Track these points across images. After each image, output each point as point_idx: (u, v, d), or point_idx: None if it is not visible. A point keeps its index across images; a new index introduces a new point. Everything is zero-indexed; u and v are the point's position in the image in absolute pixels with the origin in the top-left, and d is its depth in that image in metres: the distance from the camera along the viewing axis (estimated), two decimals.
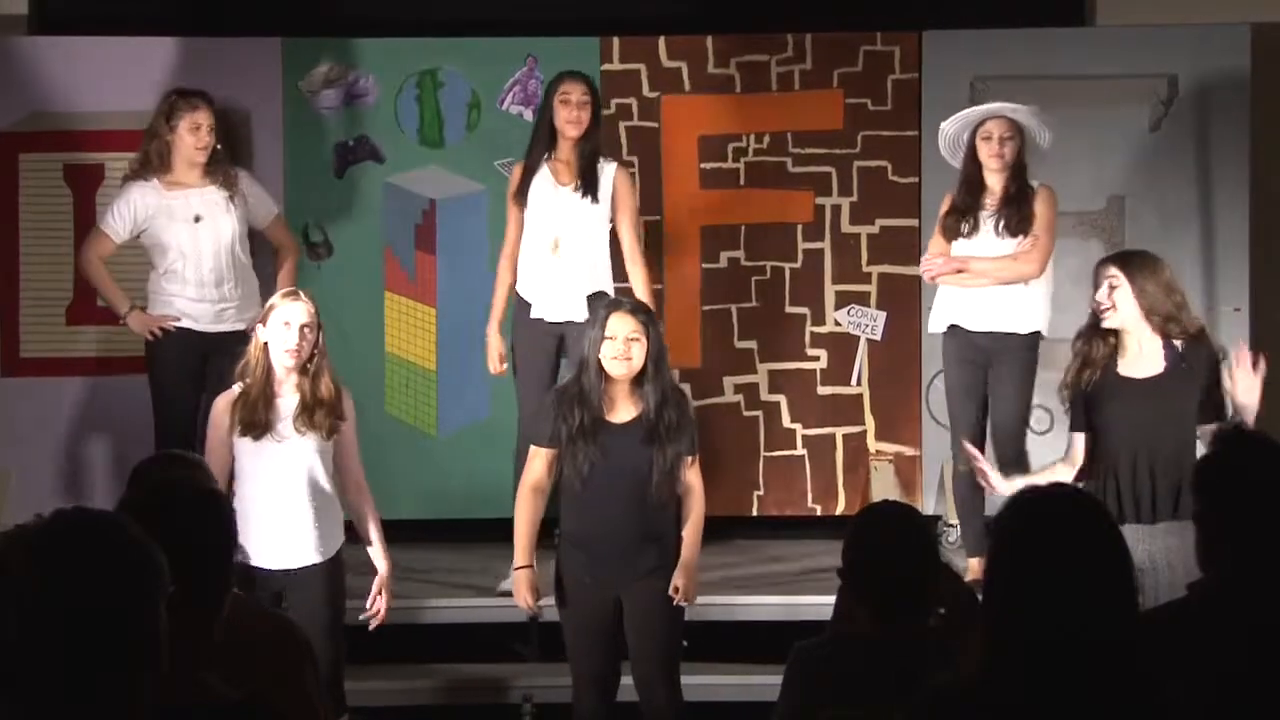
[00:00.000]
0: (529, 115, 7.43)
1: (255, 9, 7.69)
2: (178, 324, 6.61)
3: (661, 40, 7.58)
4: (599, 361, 5.38)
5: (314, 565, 5.39)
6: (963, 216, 6.46)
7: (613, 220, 6.60)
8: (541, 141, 6.57)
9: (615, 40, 7.58)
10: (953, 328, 6.51)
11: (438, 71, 7.55)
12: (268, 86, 7.39)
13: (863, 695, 3.39)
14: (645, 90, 7.56)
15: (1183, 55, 7.49)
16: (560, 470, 5.47)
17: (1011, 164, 6.42)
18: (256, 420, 5.36)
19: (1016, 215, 6.39)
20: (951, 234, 6.49)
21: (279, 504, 5.35)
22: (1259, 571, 3.30)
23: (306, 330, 5.41)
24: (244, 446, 5.38)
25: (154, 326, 6.62)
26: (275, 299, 5.53)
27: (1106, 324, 5.51)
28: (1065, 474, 5.53)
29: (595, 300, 6.42)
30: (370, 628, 5.58)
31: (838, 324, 7.58)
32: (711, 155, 7.57)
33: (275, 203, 6.98)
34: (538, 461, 5.51)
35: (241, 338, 5.93)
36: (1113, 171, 7.50)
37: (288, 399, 5.43)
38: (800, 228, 7.57)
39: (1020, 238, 6.39)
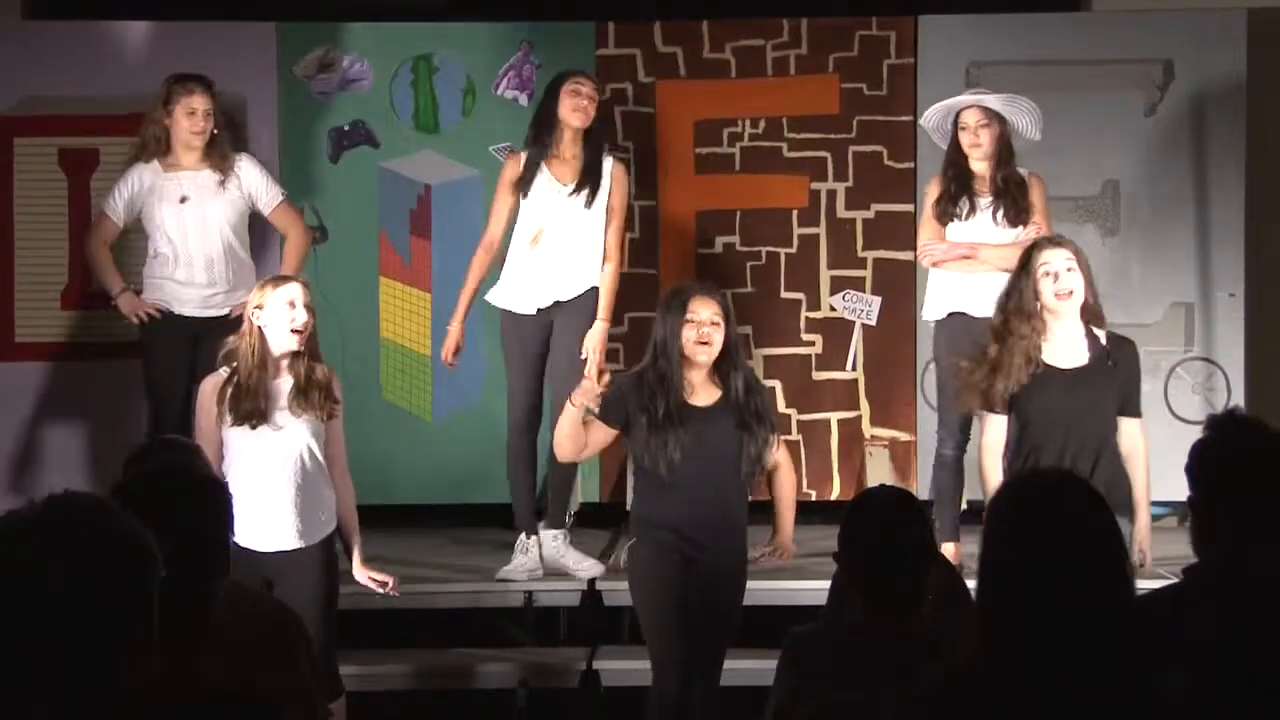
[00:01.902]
0: (524, 100, 7.42)
1: None
2: (168, 309, 6.62)
3: (657, 25, 7.58)
4: (681, 348, 5.34)
5: (307, 547, 5.37)
6: (955, 201, 6.46)
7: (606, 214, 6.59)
8: (543, 132, 6.54)
9: (610, 25, 7.57)
10: (952, 315, 6.51)
11: (432, 57, 7.54)
12: (263, 72, 7.39)
13: (858, 681, 3.39)
14: (641, 75, 7.56)
15: (1179, 40, 7.48)
16: (637, 457, 5.41)
17: (994, 152, 6.43)
18: (250, 409, 5.30)
19: (1014, 207, 6.40)
20: (946, 219, 6.49)
21: (274, 487, 5.32)
22: (1252, 555, 3.31)
23: (309, 310, 5.38)
24: (238, 433, 5.33)
25: (141, 310, 6.65)
26: (265, 285, 5.44)
27: (1062, 307, 5.51)
28: (997, 468, 5.59)
29: (587, 295, 6.45)
30: (395, 593, 5.54)
31: (833, 309, 7.58)
32: (707, 140, 7.57)
33: (281, 188, 6.94)
34: (598, 430, 5.41)
35: (231, 323, 5.92)
36: (1108, 157, 7.50)
37: (282, 383, 5.38)
38: (795, 213, 7.57)
39: (1020, 228, 6.38)
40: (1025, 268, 5.59)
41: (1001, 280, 6.38)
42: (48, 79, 7.34)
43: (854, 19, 7.56)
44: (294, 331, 5.33)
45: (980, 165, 6.47)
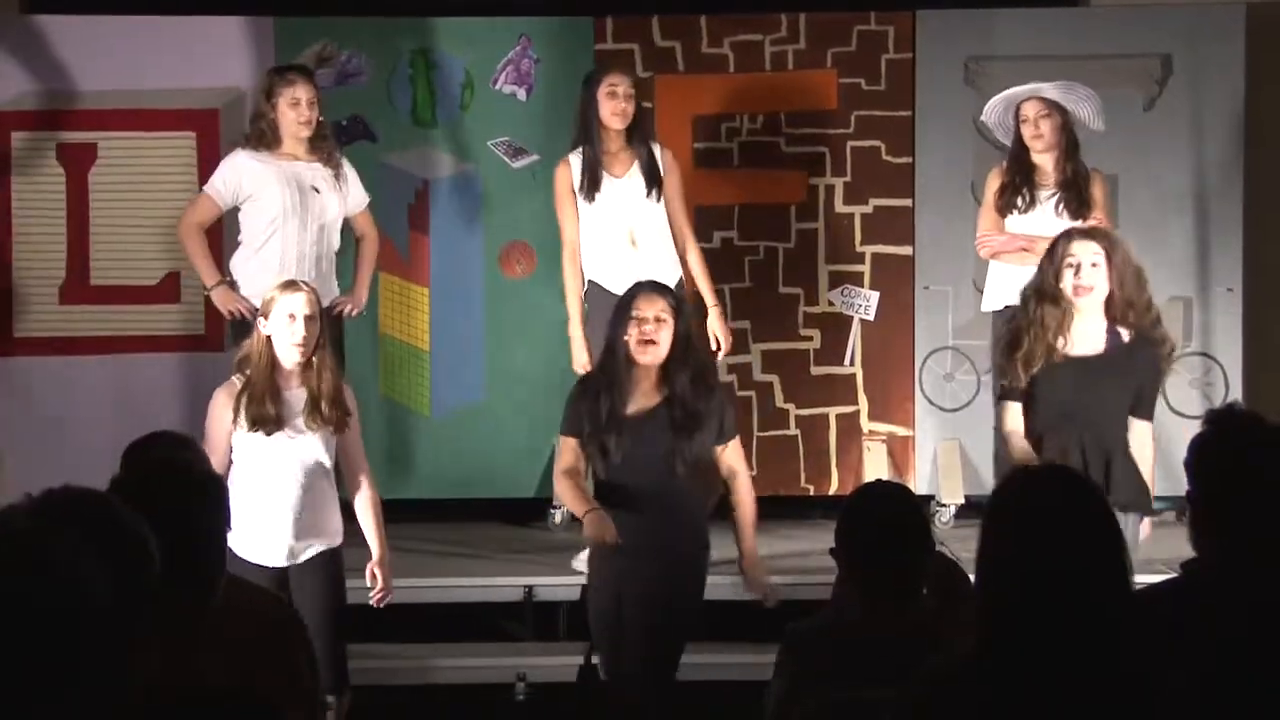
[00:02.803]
0: (522, 95, 7.42)
1: None
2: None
3: (655, 20, 7.57)
4: (626, 347, 5.33)
5: (313, 559, 5.36)
6: (1017, 192, 6.43)
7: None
8: (590, 136, 6.50)
9: (609, 20, 7.56)
10: (1009, 307, 6.44)
11: (431, 51, 7.53)
12: (261, 66, 7.35)
13: (856, 677, 3.39)
14: (639, 70, 7.53)
15: (1177, 35, 7.48)
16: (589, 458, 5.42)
17: (1057, 143, 6.40)
18: (266, 415, 5.25)
19: (1076, 198, 6.38)
20: (1007, 209, 6.46)
21: (286, 497, 5.29)
22: (1251, 550, 3.31)
23: (311, 322, 5.32)
24: (251, 440, 5.28)
25: (236, 307, 6.41)
26: (274, 291, 5.40)
27: (1079, 301, 5.49)
28: (1023, 450, 5.57)
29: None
30: (379, 605, 5.54)
31: (831, 304, 7.58)
32: (705, 135, 7.56)
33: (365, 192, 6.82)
34: (567, 451, 5.44)
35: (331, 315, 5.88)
36: (1107, 151, 7.49)
37: (296, 392, 5.34)
38: (794, 208, 7.57)
39: (1080, 220, 6.33)
40: (1050, 254, 5.57)
41: None
42: (46, 73, 7.33)
43: (852, 14, 7.56)
44: (295, 345, 5.30)
45: (1043, 157, 6.44)
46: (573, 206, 6.54)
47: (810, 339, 7.58)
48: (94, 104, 7.33)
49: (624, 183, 6.51)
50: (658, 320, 5.28)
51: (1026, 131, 6.43)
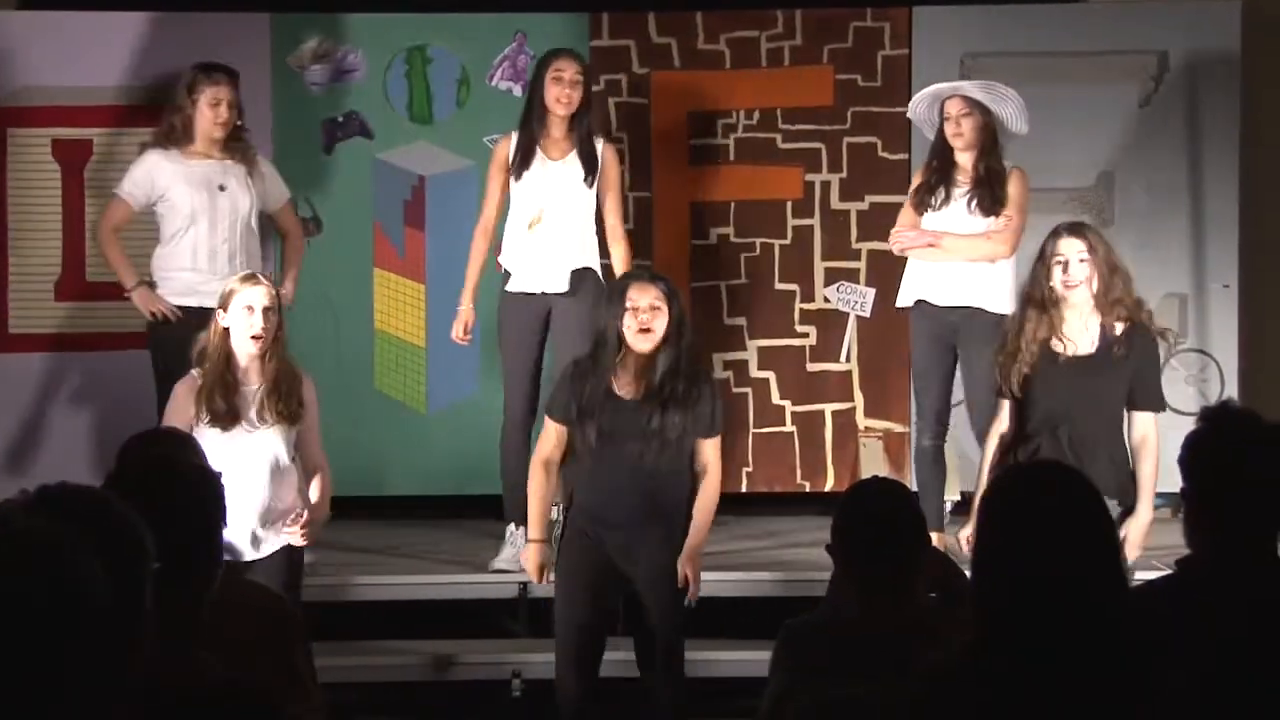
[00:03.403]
0: (518, 91, 7.41)
1: None
2: (184, 302, 6.51)
3: (651, 16, 7.57)
4: (620, 334, 5.35)
5: (273, 554, 5.36)
6: (933, 190, 6.46)
7: (598, 197, 6.61)
8: (533, 117, 6.57)
9: (605, 16, 7.56)
10: (919, 303, 6.51)
11: (426, 47, 7.53)
12: (256, 63, 7.36)
13: (853, 673, 3.39)
14: (635, 66, 7.55)
15: (1173, 31, 7.48)
16: (571, 443, 5.43)
17: (976, 143, 6.42)
18: (219, 409, 5.29)
19: (989, 196, 6.39)
20: (922, 207, 6.49)
21: (243, 493, 5.24)
22: (1246, 547, 3.31)
23: (270, 313, 5.35)
24: (210, 435, 5.28)
25: (156, 308, 6.53)
26: (234, 282, 5.44)
27: (1071, 297, 5.53)
28: (993, 445, 5.64)
29: (580, 276, 6.44)
30: (299, 537, 5.40)
31: (827, 301, 7.58)
32: (701, 131, 7.56)
33: (287, 187, 6.92)
34: (550, 435, 5.47)
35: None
36: (1103, 148, 7.50)
37: (251, 386, 5.37)
38: (790, 204, 7.57)
39: (992, 219, 6.38)
40: (1041, 256, 5.61)
41: (968, 269, 6.39)
42: (40, 69, 7.32)
43: (848, 10, 7.56)
44: (253, 338, 5.32)
45: (963, 156, 6.46)
46: (500, 183, 6.59)
47: (806, 335, 7.58)
48: (89, 100, 7.32)
49: (556, 166, 6.54)
50: (653, 308, 5.32)
51: (948, 129, 6.45)
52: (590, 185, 6.57)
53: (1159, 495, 6.40)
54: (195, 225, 6.54)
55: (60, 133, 7.35)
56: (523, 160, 6.55)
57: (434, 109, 7.54)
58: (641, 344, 5.33)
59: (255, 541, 5.33)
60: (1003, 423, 5.67)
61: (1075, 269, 5.54)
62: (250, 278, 5.47)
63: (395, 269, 7.53)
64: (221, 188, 6.57)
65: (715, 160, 7.56)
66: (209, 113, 6.56)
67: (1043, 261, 5.59)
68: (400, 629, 6.47)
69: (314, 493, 5.50)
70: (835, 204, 7.57)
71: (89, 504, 2.33)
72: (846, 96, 7.54)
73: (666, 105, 7.55)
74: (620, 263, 6.62)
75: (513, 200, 6.61)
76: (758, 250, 7.57)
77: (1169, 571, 3.47)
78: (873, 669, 3.21)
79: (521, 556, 5.47)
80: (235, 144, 6.64)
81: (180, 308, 6.50)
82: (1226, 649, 3.13)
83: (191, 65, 6.70)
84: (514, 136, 6.62)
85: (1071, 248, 5.57)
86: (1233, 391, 7.36)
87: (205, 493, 3.28)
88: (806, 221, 7.57)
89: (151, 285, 6.59)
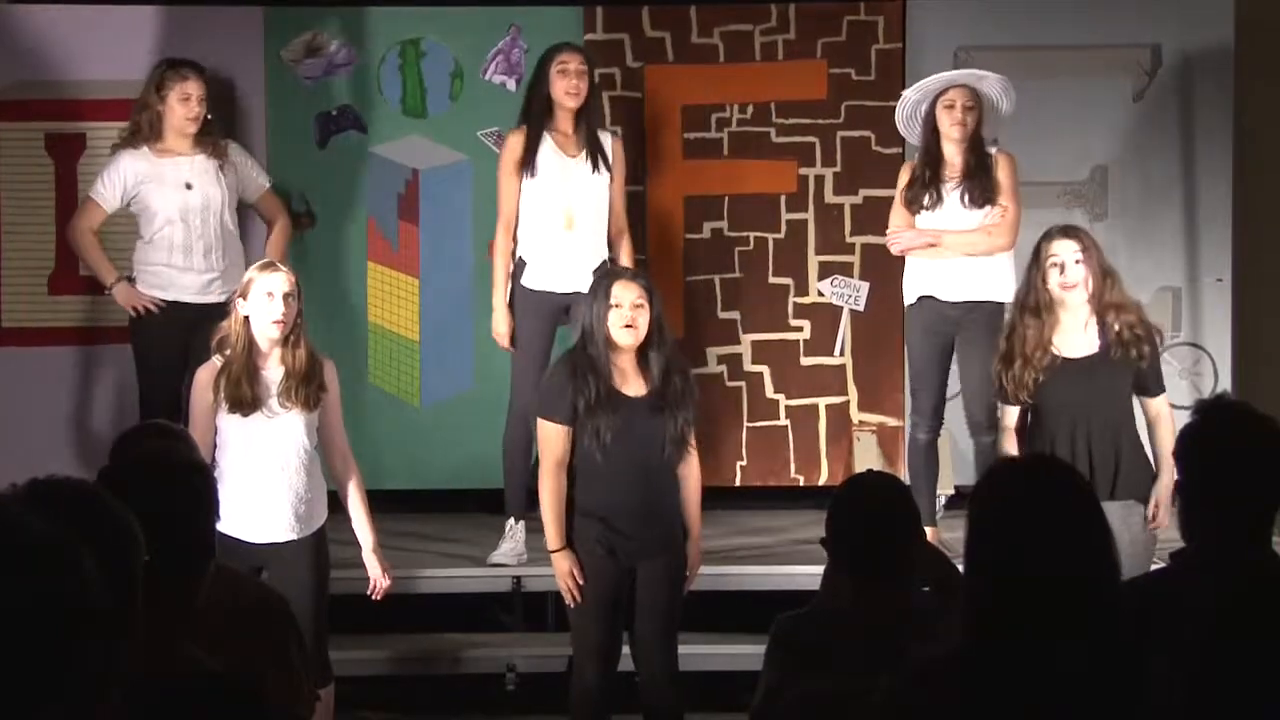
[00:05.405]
0: (512, 85, 7.41)
1: None
2: (164, 296, 6.59)
3: (645, 10, 7.56)
4: (607, 332, 5.36)
5: (299, 539, 5.37)
6: (924, 189, 6.45)
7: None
8: (538, 112, 6.55)
9: (599, 10, 7.56)
10: (922, 299, 6.51)
11: (420, 41, 7.52)
12: (249, 56, 7.36)
13: (846, 666, 3.39)
14: (629, 60, 7.54)
15: (1167, 25, 7.48)
16: (576, 444, 5.41)
17: (971, 135, 6.42)
18: (243, 396, 5.31)
19: (979, 187, 6.39)
20: (915, 207, 6.48)
21: (266, 478, 5.33)
22: (1241, 539, 3.31)
23: (290, 299, 5.38)
24: (231, 421, 5.34)
25: (138, 303, 6.62)
26: (253, 271, 5.48)
27: (1068, 298, 5.55)
28: (1012, 446, 5.66)
29: (597, 271, 6.45)
30: (376, 598, 5.56)
31: (821, 294, 7.57)
32: (695, 125, 7.56)
33: (267, 176, 6.96)
34: (557, 438, 5.41)
35: (228, 310, 5.92)
36: (1096, 142, 7.50)
37: (273, 372, 5.39)
38: (784, 198, 7.57)
39: (987, 208, 6.38)
40: (1035, 259, 5.64)
41: (971, 264, 6.39)
42: (33, 63, 7.31)
43: (842, 4, 7.55)
44: (274, 323, 5.33)
45: (954, 148, 6.43)
46: (512, 181, 6.56)
47: (800, 329, 7.58)
48: (83, 94, 7.31)
49: (572, 163, 6.54)
50: (635, 306, 5.33)
51: (950, 119, 6.41)
52: (604, 179, 6.56)
53: None
54: (170, 224, 6.61)
55: (54, 127, 7.35)
56: (535, 157, 6.53)
57: (428, 103, 7.52)
58: (626, 339, 5.34)
59: (274, 527, 5.33)
60: (1010, 421, 5.71)
61: (1071, 270, 5.56)
62: (269, 265, 5.51)
63: (389, 263, 7.53)
64: (189, 185, 6.61)
65: (709, 154, 7.56)
66: (180, 109, 6.60)
67: (1037, 265, 5.61)
68: (394, 622, 6.47)
69: (362, 528, 5.53)
70: (829, 198, 7.57)
71: (80, 498, 2.33)
72: (840, 90, 7.54)
73: (660, 99, 7.55)
74: (626, 254, 6.63)
75: (529, 197, 6.58)
76: (751, 244, 7.57)
77: (1163, 565, 3.47)
78: (866, 663, 3.20)
79: (556, 573, 5.42)
80: (205, 137, 6.68)
81: (161, 301, 6.59)
82: (1222, 642, 3.13)
83: (155, 63, 6.73)
84: (522, 132, 6.60)
85: (1066, 249, 5.59)
86: (1227, 385, 7.37)
87: (195, 488, 3.28)
88: (800, 215, 7.57)
89: (131, 280, 6.64)
